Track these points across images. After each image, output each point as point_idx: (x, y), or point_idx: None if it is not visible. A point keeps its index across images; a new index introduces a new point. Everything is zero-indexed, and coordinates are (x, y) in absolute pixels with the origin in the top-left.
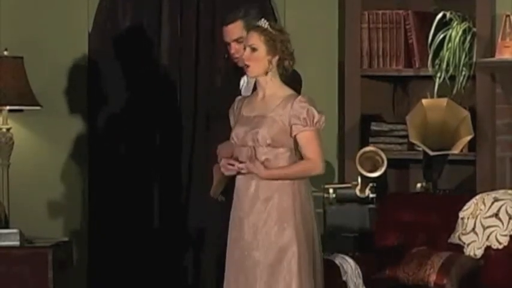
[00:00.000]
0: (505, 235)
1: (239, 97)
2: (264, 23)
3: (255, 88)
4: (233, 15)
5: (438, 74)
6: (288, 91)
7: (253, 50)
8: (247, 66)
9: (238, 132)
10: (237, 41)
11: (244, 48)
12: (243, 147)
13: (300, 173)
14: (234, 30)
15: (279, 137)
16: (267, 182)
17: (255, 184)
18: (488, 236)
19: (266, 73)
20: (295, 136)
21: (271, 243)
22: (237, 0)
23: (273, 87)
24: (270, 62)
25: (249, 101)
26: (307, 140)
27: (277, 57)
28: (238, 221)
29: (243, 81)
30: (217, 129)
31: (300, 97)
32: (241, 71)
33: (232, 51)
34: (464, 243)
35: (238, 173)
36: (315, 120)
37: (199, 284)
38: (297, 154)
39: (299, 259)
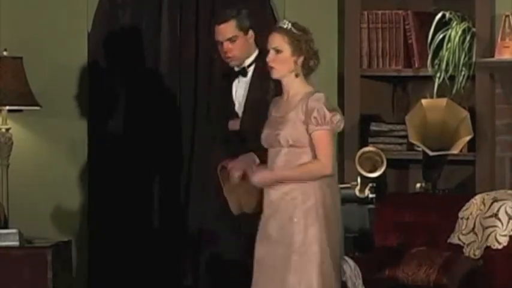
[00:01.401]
0: (505, 235)
1: (276, 98)
2: (286, 23)
3: (251, 88)
4: (226, 14)
5: (438, 74)
6: (308, 88)
7: (278, 51)
8: (271, 68)
9: (264, 135)
10: (230, 40)
11: (268, 51)
12: (272, 149)
13: (306, 174)
14: (227, 29)
15: (299, 136)
16: (291, 183)
17: (281, 185)
18: (488, 236)
19: (296, 75)
20: (310, 135)
21: (292, 243)
22: (236, 0)
23: (297, 88)
24: (295, 62)
25: (277, 101)
26: (318, 139)
27: (302, 58)
28: (265, 219)
29: (235, 83)
30: (215, 130)
31: (315, 95)
32: (234, 72)
33: (225, 50)
34: (464, 243)
35: None
36: (326, 119)
37: (199, 284)
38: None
39: (321, 259)
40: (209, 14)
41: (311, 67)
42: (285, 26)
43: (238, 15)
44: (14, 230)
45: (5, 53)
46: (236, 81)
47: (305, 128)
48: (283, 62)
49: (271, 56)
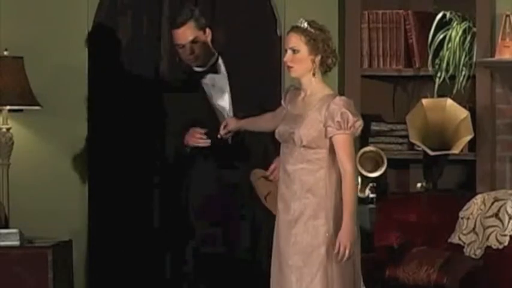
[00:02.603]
0: (505, 235)
1: (291, 88)
2: (303, 22)
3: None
4: (182, 17)
5: (438, 74)
6: (328, 91)
7: (295, 51)
8: (290, 67)
9: (280, 130)
10: (193, 41)
11: (286, 50)
12: (285, 144)
13: (352, 194)
14: (188, 31)
15: (314, 138)
16: (302, 182)
17: (291, 183)
18: (488, 236)
19: (313, 74)
20: (330, 138)
21: (303, 241)
22: (235, 0)
23: (315, 87)
24: (312, 61)
25: (294, 98)
26: (340, 144)
27: (319, 57)
28: (277, 216)
29: (208, 80)
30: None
31: (337, 98)
32: (196, 73)
33: (188, 52)
34: (464, 243)
35: None
36: (349, 125)
37: (199, 284)
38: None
39: (327, 261)
40: (209, 13)
41: (329, 66)
42: (301, 25)
43: (194, 15)
44: (14, 230)
45: (5, 53)
46: (203, 81)
47: (322, 130)
48: (300, 61)
49: (288, 55)
